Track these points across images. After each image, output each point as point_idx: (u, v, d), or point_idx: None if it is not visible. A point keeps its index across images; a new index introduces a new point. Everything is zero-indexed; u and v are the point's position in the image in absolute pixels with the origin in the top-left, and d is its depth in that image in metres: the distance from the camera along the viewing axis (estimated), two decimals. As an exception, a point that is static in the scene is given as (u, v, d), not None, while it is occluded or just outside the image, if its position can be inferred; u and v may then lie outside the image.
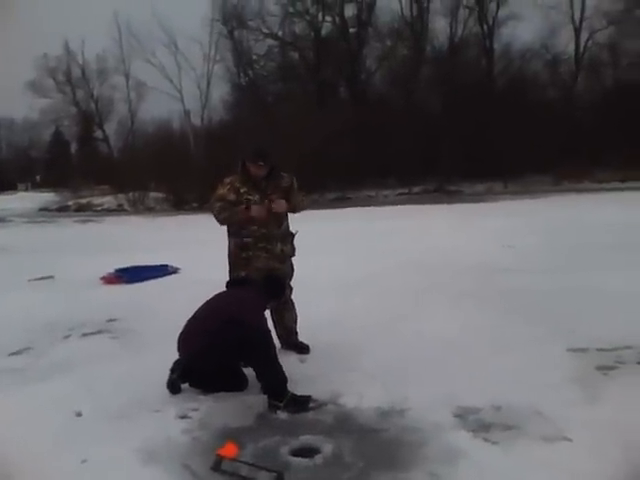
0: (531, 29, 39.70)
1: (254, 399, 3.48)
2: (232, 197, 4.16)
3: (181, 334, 3.71)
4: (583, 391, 3.41)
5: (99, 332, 5.20)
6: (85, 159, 38.74)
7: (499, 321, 4.81)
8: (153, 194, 27.46)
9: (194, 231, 13.32)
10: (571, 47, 30.85)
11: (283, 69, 33.45)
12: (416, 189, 26.76)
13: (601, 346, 4.10)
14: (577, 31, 30.70)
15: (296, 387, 3.49)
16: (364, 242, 10.18)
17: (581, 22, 30.66)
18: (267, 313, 4.02)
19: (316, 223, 10.41)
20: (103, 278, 7.56)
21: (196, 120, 31.66)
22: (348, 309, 5.45)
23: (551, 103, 29.61)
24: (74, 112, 39.68)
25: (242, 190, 4.17)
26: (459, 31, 31.88)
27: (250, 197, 4.14)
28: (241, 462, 2.76)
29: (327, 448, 2.93)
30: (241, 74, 33.98)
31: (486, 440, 2.95)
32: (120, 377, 3.92)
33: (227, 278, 4.20)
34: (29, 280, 7.82)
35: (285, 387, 3.42)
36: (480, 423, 3.12)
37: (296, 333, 4.44)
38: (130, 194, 27.41)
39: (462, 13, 31.73)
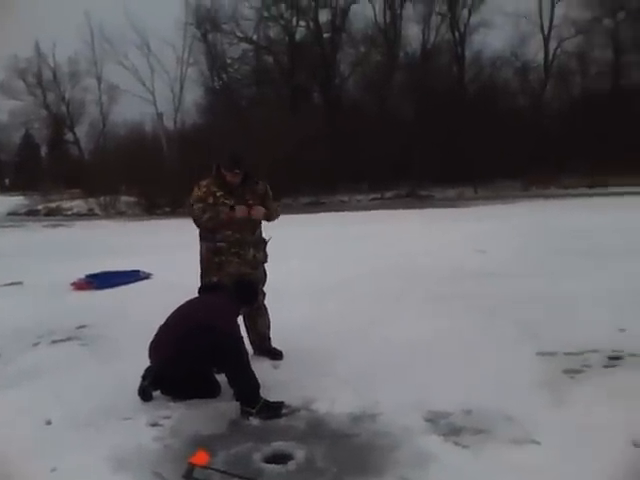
0: (502, 37, 40.44)
1: (226, 406, 3.47)
2: (210, 200, 4.16)
3: (152, 341, 3.68)
4: (551, 394, 3.48)
5: (69, 339, 5.12)
6: (55, 162, 38.10)
7: (470, 325, 4.88)
8: (124, 198, 27.10)
9: (166, 236, 13.22)
10: (540, 55, 31.45)
11: (257, 73, 33.40)
12: (389, 194, 26.96)
13: (569, 350, 4.18)
14: (546, 39, 31.28)
15: (269, 393, 3.49)
16: (337, 247, 10.21)
17: (550, 31, 31.27)
18: (240, 319, 4.01)
19: (290, 228, 10.40)
20: (73, 284, 7.44)
21: (169, 123, 31.42)
22: (321, 314, 5.46)
23: (520, 110, 30.15)
24: (44, 115, 38.97)
25: (218, 194, 4.17)
26: (431, 38, 32.27)
27: (227, 201, 4.14)
28: (213, 469, 2.75)
29: (300, 454, 2.94)
30: (215, 78, 33.83)
31: (456, 444, 2.99)
32: (90, 385, 3.87)
33: (199, 284, 4.19)
34: (-3, 286, 7.67)
35: (258, 393, 3.41)
36: (451, 427, 3.16)
37: (269, 339, 4.44)
38: (101, 198, 27.01)
39: (434, 20, 32.12)
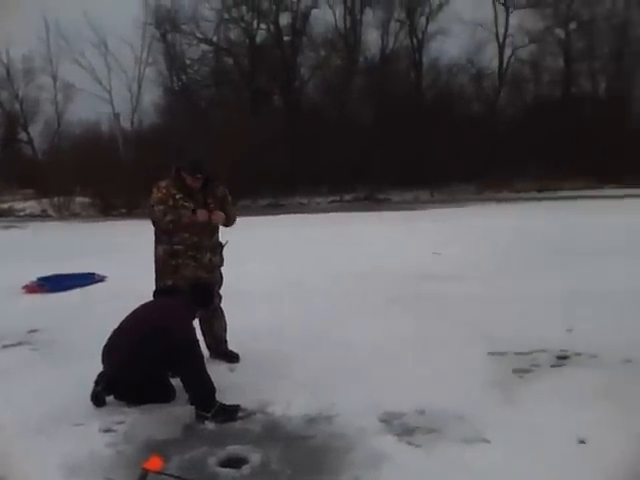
0: (458, 44, 40.95)
1: (181, 410, 3.45)
2: (170, 202, 4.12)
3: (106, 345, 3.64)
4: (501, 394, 3.58)
5: (19, 344, 5.00)
6: (8, 162, 36.90)
7: (424, 327, 4.98)
8: (79, 199, 26.47)
9: (122, 238, 13.00)
10: (495, 63, 32.15)
11: (217, 74, 33.13)
12: (347, 197, 27.17)
13: (519, 350, 4.31)
14: (501, 48, 32.01)
15: (225, 396, 3.49)
16: (296, 249, 10.24)
17: (504, 39, 32.03)
18: (196, 322, 3.99)
19: (249, 230, 10.37)
20: (25, 287, 7.27)
21: (126, 123, 30.82)
22: (279, 317, 5.47)
23: (475, 116, 30.82)
24: (-3, 113, 37.77)
25: (178, 196, 4.14)
26: (390, 43, 32.63)
27: (186, 204, 4.12)
28: (167, 475, 2.72)
29: (255, 457, 2.94)
30: (174, 78, 33.38)
31: (410, 444, 3.05)
32: (41, 390, 3.78)
33: (154, 287, 4.15)
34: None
35: (213, 397, 3.40)
36: (404, 427, 3.22)
37: (226, 342, 4.43)
38: (55, 199, 26.31)
39: (393, 26, 32.49)
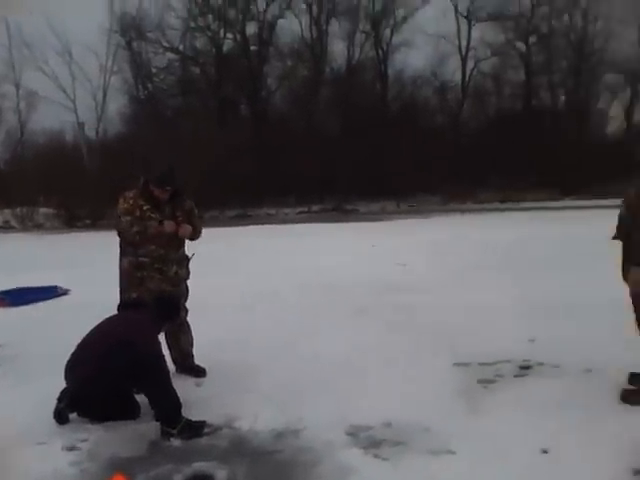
0: (422, 56, 41.75)
1: (146, 427, 3.41)
2: (137, 213, 4.09)
3: (69, 360, 3.58)
4: (466, 404, 3.64)
5: (-22, 360, 4.87)
6: (-31, 171, 35.96)
7: (390, 338, 5.03)
8: (43, 210, 25.97)
9: (86, 250, 12.79)
10: (458, 75, 32.85)
11: (183, 83, 32.95)
12: (315, 208, 27.27)
13: (483, 360, 4.38)
14: (463, 60, 32.73)
15: (191, 412, 3.46)
16: (263, 260, 10.23)
17: (467, 52, 32.73)
18: (162, 336, 3.95)
19: (216, 241, 10.32)
20: (-16, 301, 7.09)
21: (90, 133, 30.36)
22: (246, 329, 5.46)
23: (440, 128, 31.38)
24: (-43, 121, 36.76)
25: (145, 208, 4.11)
26: (356, 54, 33.01)
27: (153, 216, 4.09)
28: (132, 493, 2.70)
29: (221, 474, 2.92)
30: (139, 87, 33.07)
31: (376, 456, 3.07)
32: (3, 408, 3.70)
33: (119, 300, 4.10)
34: None
35: (179, 413, 3.37)
36: (371, 440, 3.24)
37: (192, 356, 4.39)
38: (18, 209, 25.75)
39: (359, 37, 32.90)
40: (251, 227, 18.35)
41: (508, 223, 15.45)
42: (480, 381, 4.02)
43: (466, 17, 32.32)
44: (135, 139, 26.74)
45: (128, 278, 4.17)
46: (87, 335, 3.65)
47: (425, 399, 3.70)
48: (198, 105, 32.51)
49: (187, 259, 4.35)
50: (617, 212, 3.63)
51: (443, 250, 10.49)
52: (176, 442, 3.27)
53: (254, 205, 26.86)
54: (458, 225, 16.09)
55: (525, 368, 4.23)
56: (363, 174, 25.72)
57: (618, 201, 3.66)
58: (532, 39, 32.15)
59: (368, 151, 25.68)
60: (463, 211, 21.85)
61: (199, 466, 3.00)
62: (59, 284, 7.85)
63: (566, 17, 31.71)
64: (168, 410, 3.36)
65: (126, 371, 3.37)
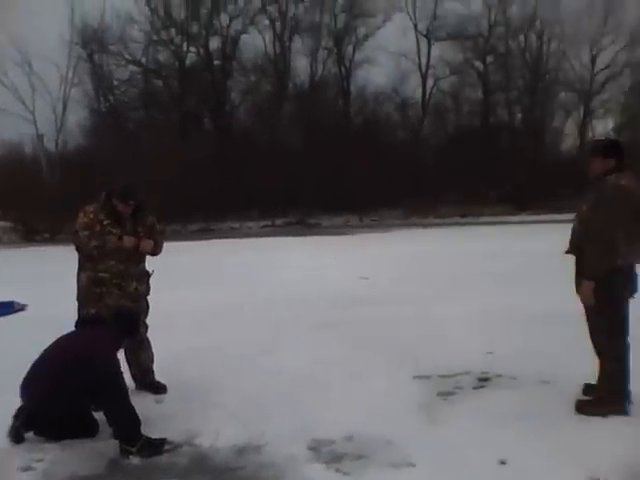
0: (383, 73, 42.35)
1: (105, 445, 3.34)
2: (97, 228, 4.03)
3: (25, 377, 3.49)
4: (426, 417, 3.68)
5: None
6: None
7: (352, 352, 5.05)
8: (0, 223, 25.30)
9: (44, 264, 12.50)
10: (419, 92, 33.51)
11: (145, 96, 32.65)
12: (279, 221, 27.31)
13: (443, 373, 4.45)
14: (423, 78, 33.43)
15: (151, 429, 3.41)
16: (227, 274, 10.17)
17: (427, 70, 33.44)
18: (121, 353, 3.89)
19: (179, 255, 10.24)
20: (-64, 317, 6.85)
21: (50, 145, 29.73)
22: (208, 344, 5.41)
23: (401, 144, 31.92)
24: None
25: (105, 222, 4.06)
26: (319, 71, 33.35)
27: (113, 230, 4.04)
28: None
29: (182, 491, 2.89)
30: (101, 99, 32.62)
31: (338, 471, 3.08)
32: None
33: (77, 315, 4.03)
34: None
35: (138, 431, 3.32)
36: (333, 454, 3.25)
37: (152, 372, 4.33)
38: (-27, 223, 25.05)
39: (322, 54, 33.27)
40: (214, 241, 18.24)
41: (468, 237, 15.78)
42: (440, 393, 4.08)
43: (426, 36, 33.08)
44: (96, 152, 26.37)
45: (86, 294, 4.10)
46: (44, 351, 3.58)
47: (387, 412, 3.73)
48: (160, 118, 32.28)
49: (147, 275, 4.30)
50: (570, 227, 3.76)
51: (405, 264, 10.63)
52: (135, 460, 3.22)
53: (217, 219, 26.71)
54: (420, 239, 16.32)
55: (484, 380, 4.31)
56: (326, 188, 25.92)
57: (572, 216, 3.79)
58: (489, 58, 33.11)
59: (331, 166, 25.92)
60: (425, 225, 22.19)
61: (159, 484, 2.97)
62: (16, 299, 7.67)
63: (522, 38, 32.81)
64: (127, 428, 3.30)
65: (83, 388, 3.31)
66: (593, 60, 32.02)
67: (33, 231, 24.38)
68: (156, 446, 3.31)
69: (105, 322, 3.78)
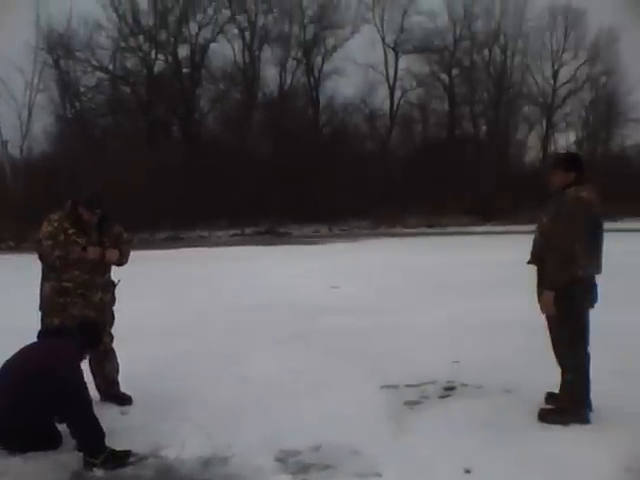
0: (352, 84, 42.71)
1: (68, 457, 3.28)
2: (61, 237, 3.96)
3: (-15, 390, 3.41)
4: (393, 426, 3.71)
5: None
6: None
7: (320, 362, 5.06)
8: (-39, 231, 24.61)
9: (9, 273, 12.20)
10: (386, 104, 33.93)
11: (113, 103, 32.28)
12: (249, 230, 27.23)
13: (409, 382, 4.49)
14: (391, 89, 33.87)
15: (116, 441, 3.35)
16: (195, 283, 10.09)
17: (394, 81, 33.91)
18: (85, 363, 3.83)
19: (146, 264, 10.12)
20: None
21: (15, 151, 29.11)
22: (175, 354, 5.35)
23: (369, 154, 32.27)
24: None
25: (70, 231, 4.00)
26: (288, 80, 33.53)
27: (78, 240, 3.98)
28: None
29: (147, 504, 2.86)
30: (67, 105, 32.11)
31: (305, 481, 3.08)
32: None
33: (40, 326, 3.95)
34: None
35: (102, 442, 3.26)
36: (300, 465, 3.24)
37: (117, 384, 4.27)
38: None
39: (291, 64, 33.47)
40: (183, 250, 18.07)
41: (435, 247, 15.97)
42: (407, 403, 4.11)
43: (393, 49, 33.56)
44: (61, 159, 25.95)
45: (50, 303, 4.03)
46: (6, 362, 3.51)
47: (354, 422, 3.74)
48: (128, 126, 32.00)
49: (113, 285, 4.24)
50: (532, 237, 3.85)
51: (373, 273, 10.71)
52: (99, 472, 3.16)
53: (186, 227, 26.48)
54: (388, 249, 16.46)
55: (449, 389, 4.36)
56: (296, 198, 26.00)
57: (534, 227, 3.88)
58: (455, 71, 33.78)
59: (300, 175, 26.01)
60: (393, 235, 22.41)
61: (123, 497, 2.92)
62: (-26, 310, 7.44)
63: (486, 52, 33.56)
64: (90, 439, 3.24)
65: (46, 399, 3.25)
66: (555, 75, 32.97)
67: (-3, 239, 23.83)
68: (120, 458, 3.26)
69: (69, 332, 3.72)
